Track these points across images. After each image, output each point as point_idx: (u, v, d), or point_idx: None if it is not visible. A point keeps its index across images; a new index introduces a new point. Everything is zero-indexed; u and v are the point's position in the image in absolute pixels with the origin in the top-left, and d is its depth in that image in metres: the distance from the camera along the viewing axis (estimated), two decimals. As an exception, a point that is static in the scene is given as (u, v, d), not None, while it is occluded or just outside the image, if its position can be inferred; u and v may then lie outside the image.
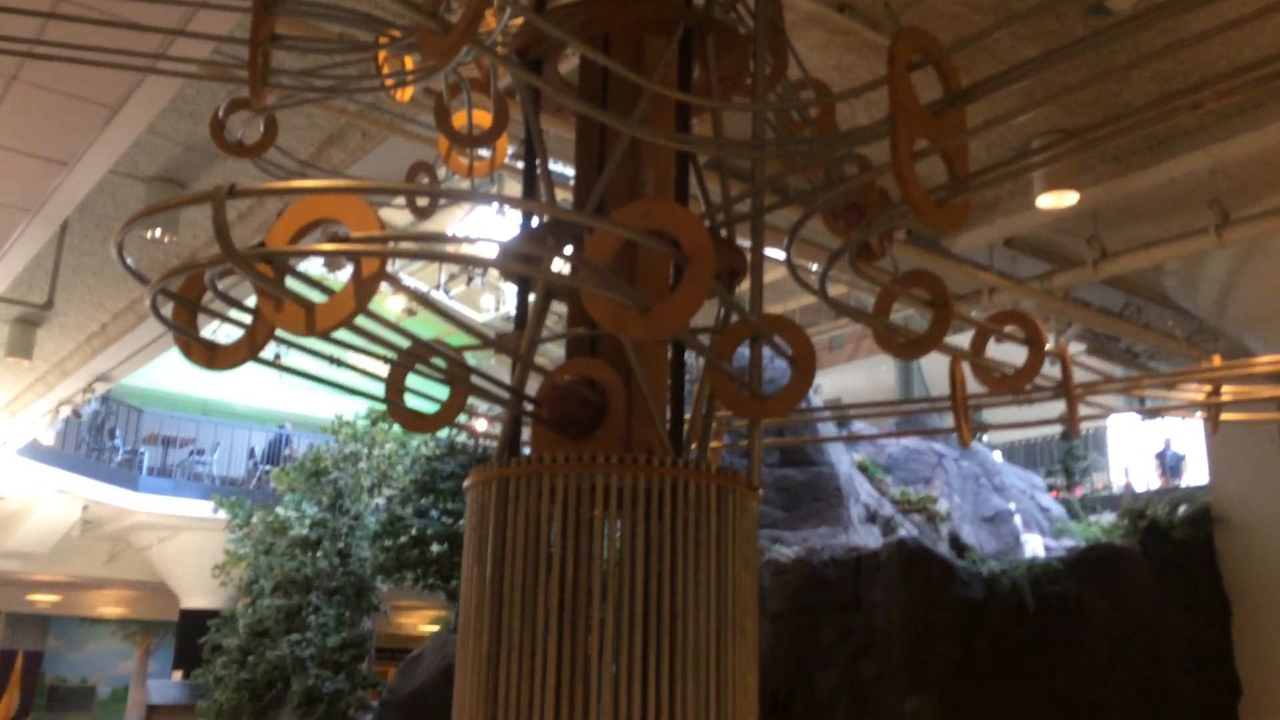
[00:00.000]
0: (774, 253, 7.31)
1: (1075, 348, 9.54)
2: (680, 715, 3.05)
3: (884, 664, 8.31)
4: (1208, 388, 5.28)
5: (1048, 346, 4.04)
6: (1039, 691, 8.17)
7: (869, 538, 10.80)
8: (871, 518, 11.71)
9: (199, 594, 21.11)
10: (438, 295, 19.98)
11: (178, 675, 20.23)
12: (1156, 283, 9.58)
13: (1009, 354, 4.49)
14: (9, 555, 20.45)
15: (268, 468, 20.63)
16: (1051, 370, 4.89)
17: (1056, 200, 7.02)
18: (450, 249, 6.99)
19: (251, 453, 22.27)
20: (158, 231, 8.09)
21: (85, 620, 26.69)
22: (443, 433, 14.60)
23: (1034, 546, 11.55)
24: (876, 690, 8.28)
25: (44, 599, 25.39)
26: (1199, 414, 5.52)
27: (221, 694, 14.15)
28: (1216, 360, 5.45)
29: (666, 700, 3.05)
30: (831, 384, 18.95)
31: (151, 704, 19.19)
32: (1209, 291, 9.00)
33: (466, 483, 3.51)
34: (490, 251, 3.60)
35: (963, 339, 4.61)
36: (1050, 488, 15.56)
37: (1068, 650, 8.27)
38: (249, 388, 23.63)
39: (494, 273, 19.68)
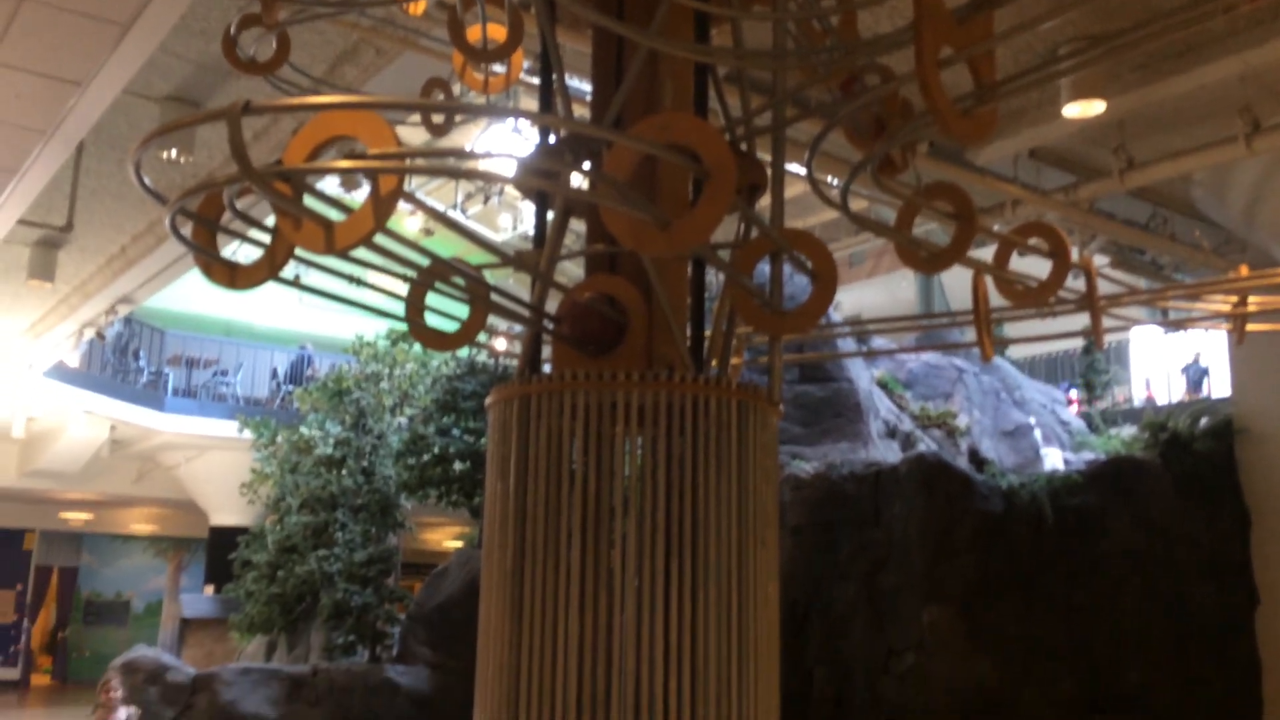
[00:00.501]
0: (794, 167, 7.23)
1: (1099, 261, 9.45)
2: (702, 625, 3.10)
3: (902, 576, 8.40)
4: (1234, 298, 5.22)
5: (1072, 259, 3.99)
6: (1056, 603, 8.25)
7: (888, 453, 10.85)
8: (891, 433, 11.75)
9: (227, 511, 21.49)
10: (455, 215, 19.88)
11: (209, 590, 20.69)
12: (1184, 193, 9.43)
13: (1032, 267, 4.44)
14: (41, 475, 20.82)
15: (291, 388, 20.81)
16: (1075, 283, 4.84)
17: (1083, 109, 6.87)
18: (467, 165, 6.94)
19: (274, 373, 22.45)
20: (173, 152, 8.05)
21: (117, 537, 27.27)
22: (463, 352, 14.66)
23: (1054, 460, 11.57)
24: (894, 602, 8.39)
25: (76, 517, 25.91)
26: (1224, 325, 5.47)
27: (252, 607, 14.47)
28: (1244, 270, 5.38)
29: (689, 610, 3.10)
30: (851, 300, 18.85)
31: (185, 617, 19.68)
32: (1237, 201, 8.86)
33: (488, 400, 3.53)
34: (508, 168, 3.57)
35: (985, 253, 4.56)
36: (1070, 401, 15.54)
37: (1086, 562, 8.33)
38: (270, 309, 23.74)
39: (511, 191, 19.55)
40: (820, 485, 9.10)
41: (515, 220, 21.46)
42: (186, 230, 2.98)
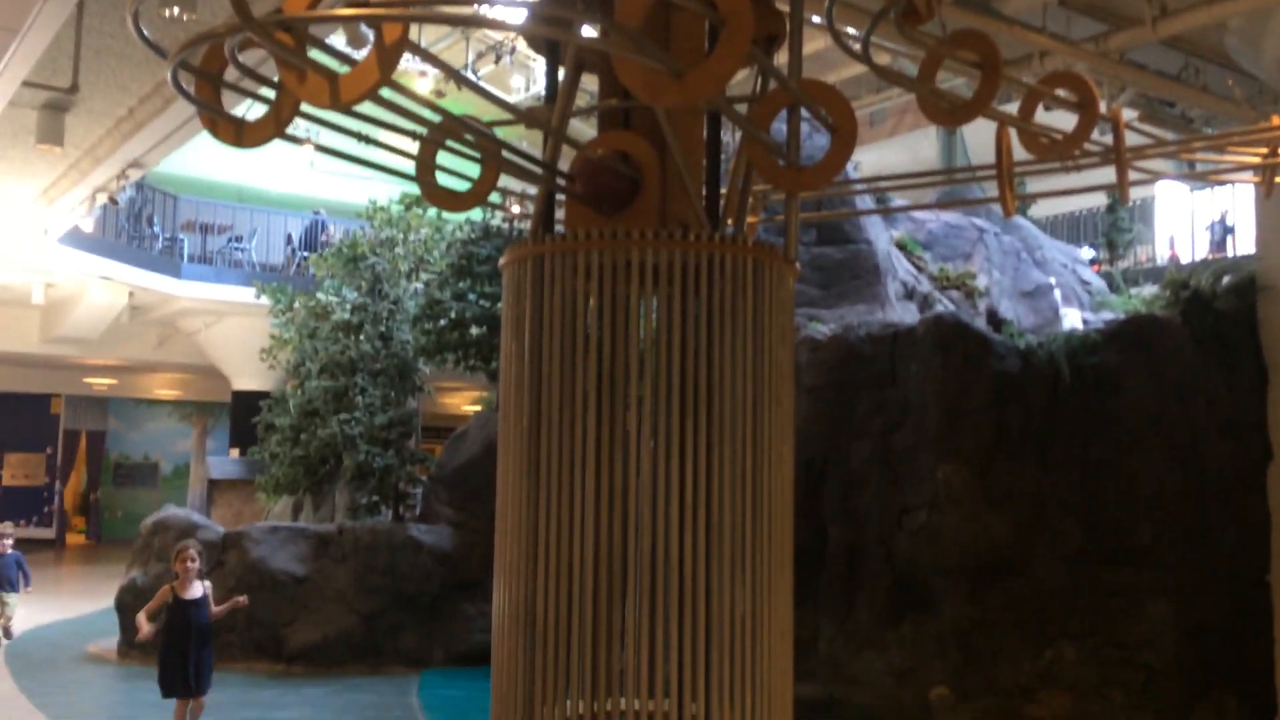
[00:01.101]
0: (814, 19, 6.98)
1: (1128, 114, 9.20)
2: (717, 483, 3.13)
3: (917, 435, 8.46)
4: (1263, 150, 5.07)
5: (1100, 110, 3.86)
6: (1071, 461, 8.31)
7: (906, 315, 10.80)
8: (909, 295, 11.69)
9: (249, 376, 21.74)
10: (466, 74, 19.42)
11: (235, 453, 21.11)
12: (1217, 42, 9.11)
13: (1058, 123, 4.31)
14: (63, 341, 21.06)
15: (306, 254, 20.79)
16: (1101, 138, 4.71)
17: (1117, -47, 6.57)
18: (475, 13, 6.71)
19: (289, 239, 22.40)
20: (175, 10, 7.83)
21: (142, 402, 27.73)
22: (477, 216, 14.54)
23: (1072, 320, 11.53)
24: (909, 460, 8.47)
25: (100, 382, 26.29)
26: (1252, 177, 5.34)
27: (277, 469, 14.76)
28: (1276, 120, 5.21)
29: (704, 468, 3.12)
30: (871, 161, 18.52)
31: (212, 479, 20.14)
32: (1273, 49, 8.55)
33: (502, 261, 3.49)
34: (518, 18, 3.44)
35: (1011, 109, 4.43)
36: (1092, 261, 15.38)
37: (1102, 421, 8.35)
38: (282, 174, 23.52)
39: (524, 50, 19.07)
40: (837, 347, 9.09)
41: (528, 81, 21.00)
42: (192, 91, 2.90)
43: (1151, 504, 8.24)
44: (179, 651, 7.40)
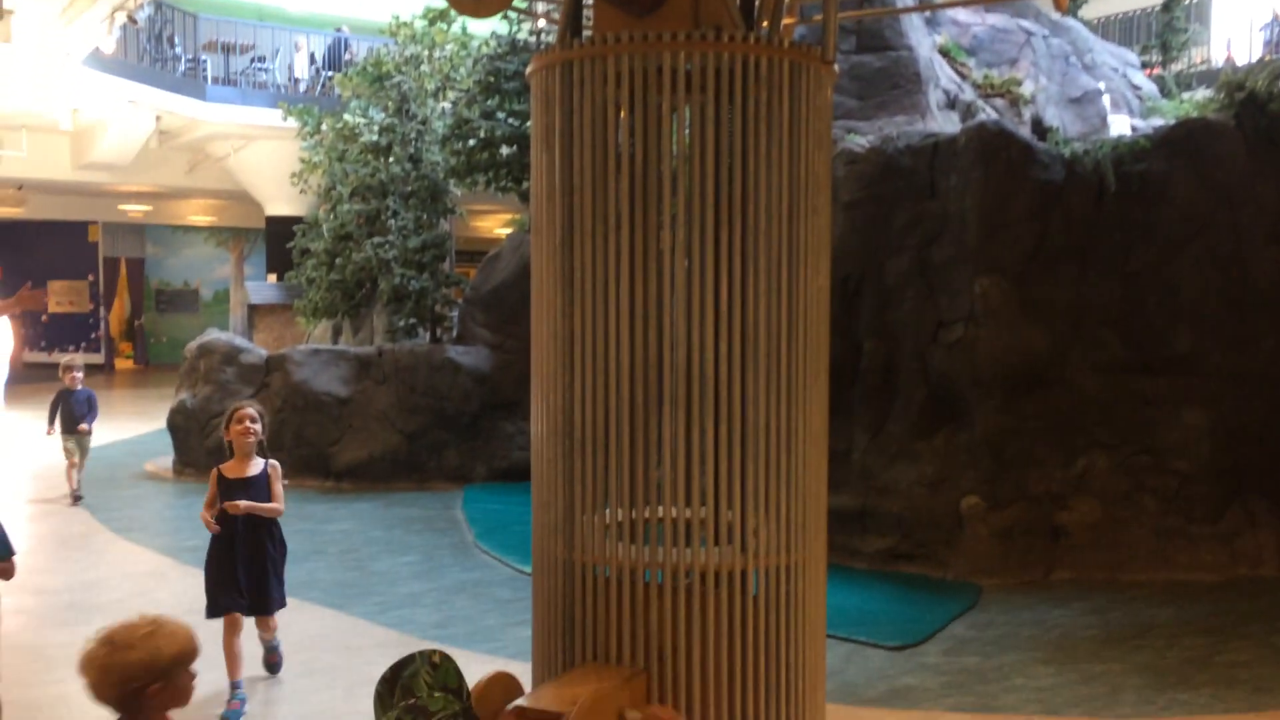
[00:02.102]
0: None
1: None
2: (752, 294, 3.10)
3: (956, 248, 8.32)
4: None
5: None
6: (1111, 270, 8.17)
7: (947, 125, 10.48)
8: (951, 104, 11.31)
9: (281, 201, 21.74)
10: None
11: (272, 278, 21.33)
12: None
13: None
14: (95, 167, 21.05)
15: (330, 74, 20.40)
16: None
17: None
18: None
19: (312, 58, 21.96)
20: None
21: (178, 228, 27.90)
22: (504, 30, 14.11)
23: (1121, 126, 11.16)
24: (946, 273, 8.37)
25: (135, 209, 26.41)
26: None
27: (314, 294, 14.87)
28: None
29: (739, 279, 3.09)
30: (914, -38, 17.63)
31: (252, 304, 20.42)
32: None
33: (529, 69, 3.39)
34: None
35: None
36: (1144, 65, 14.76)
37: (1146, 229, 8.16)
38: (302, -11, 22.90)
39: None
40: (875, 159, 8.86)
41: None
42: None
43: (1192, 312, 8.14)
44: (226, 555, 5.30)
